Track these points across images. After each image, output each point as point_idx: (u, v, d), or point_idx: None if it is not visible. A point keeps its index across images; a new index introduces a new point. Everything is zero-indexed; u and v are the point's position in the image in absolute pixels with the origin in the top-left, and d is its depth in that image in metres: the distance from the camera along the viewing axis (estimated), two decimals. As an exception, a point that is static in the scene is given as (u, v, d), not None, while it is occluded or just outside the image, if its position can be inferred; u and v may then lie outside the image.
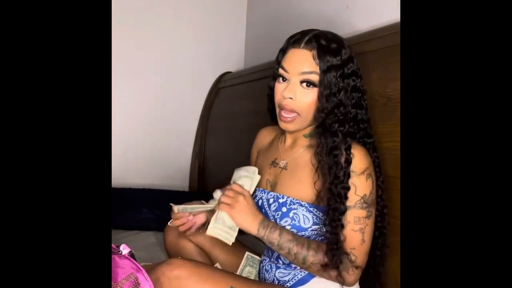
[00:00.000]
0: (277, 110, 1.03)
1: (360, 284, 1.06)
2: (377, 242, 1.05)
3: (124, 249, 0.99)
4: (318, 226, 1.00)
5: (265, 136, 1.22)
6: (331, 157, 0.97)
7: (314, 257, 0.96)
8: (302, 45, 0.98)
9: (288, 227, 1.01)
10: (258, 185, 1.12)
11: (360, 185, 0.96)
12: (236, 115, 2.11)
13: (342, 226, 0.95)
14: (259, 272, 1.17)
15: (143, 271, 0.94)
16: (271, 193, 1.07)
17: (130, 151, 2.26)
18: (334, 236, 0.95)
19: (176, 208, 1.13)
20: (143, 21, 2.26)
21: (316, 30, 1.02)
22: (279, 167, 1.09)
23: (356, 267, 0.96)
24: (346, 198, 0.96)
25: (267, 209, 1.06)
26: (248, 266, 1.19)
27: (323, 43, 0.97)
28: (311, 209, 1.00)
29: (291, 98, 0.99)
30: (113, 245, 0.98)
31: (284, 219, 1.01)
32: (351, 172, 0.96)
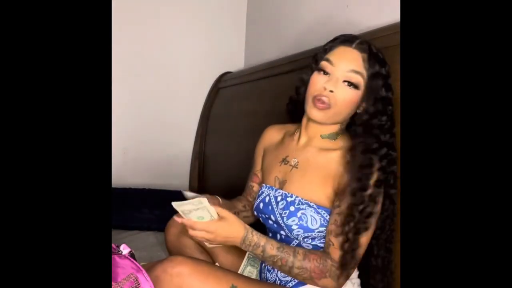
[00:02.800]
0: (310, 99, 1.02)
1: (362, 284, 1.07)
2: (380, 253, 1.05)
3: (124, 249, 0.99)
4: (325, 228, 1.00)
5: (273, 134, 1.20)
6: (366, 157, 0.96)
7: (300, 269, 0.95)
8: (354, 45, 1.01)
9: (295, 227, 1.01)
10: (267, 182, 1.12)
11: None
12: (236, 115, 2.11)
13: (366, 229, 0.95)
14: (260, 272, 1.17)
15: (143, 271, 0.94)
16: (280, 190, 1.07)
17: (130, 151, 2.26)
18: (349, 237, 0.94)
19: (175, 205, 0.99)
20: (143, 21, 2.26)
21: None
22: (290, 165, 1.09)
23: (343, 275, 0.96)
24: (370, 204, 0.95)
25: (274, 206, 1.05)
26: (249, 265, 1.19)
27: (374, 50, 1.01)
28: (320, 210, 1.00)
29: (331, 91, 0.99)
30: (113, 245, 0.98)
31: (291, 218, 1.01)
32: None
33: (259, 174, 1.21)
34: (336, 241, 0.96)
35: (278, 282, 1.07)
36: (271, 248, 0.95)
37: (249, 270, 1.18)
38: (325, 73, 1.01)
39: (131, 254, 0.99)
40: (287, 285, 1.05)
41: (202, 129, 2.38)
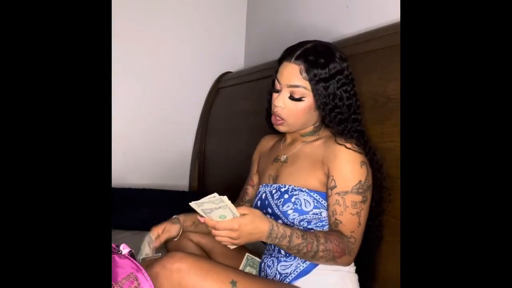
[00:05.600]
0: (272, 115, 1.13)
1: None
2: (371, 238, 1.10)
3: (124, 249, 0.99)
4: (318, 210, 1.05)
5: (267, 142, 1.30)
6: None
7: (324, 251, 0.97)
8: (292, 59, 1.07)
9: (290, 211, 1.05)
10: (262, 182, 1.18)
11: (355, 171, 1.03)
12: (236, 115, 2.11)
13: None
14: (259, 272, 1.17)
15: (143, 270, 0.94)
16: (274, 185, 1.13)
17: (130, 151, 2.26)
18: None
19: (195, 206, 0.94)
20: (143, 21, 2.26)
21: (310, 43, 1.09)
22: (280, 162, 1.17)
23: (355, 248, 1.02)
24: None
25: (270, 199, 1.11)
26: (248, 266, 1.19)
27: (311, 58, 1.05)
28: (312, 193, 1.06)
29: (281, 107, 1.08)
30: (113, 245, 0.99)
31: (286, 204, 1.06)
32: (344, 163, 1.03)
33: (254, 178, 1.29)
34: (343, 219, 1.01)
35: (279, 276, 1.08)
36: (296, 237, 0.96)
37: (248, 270, 1.19)
38: (277, 90, 1.10)
39: (131, 254, 0.99)
40: (287, 279, 1.06)
41: (202, 129, 2.38)
